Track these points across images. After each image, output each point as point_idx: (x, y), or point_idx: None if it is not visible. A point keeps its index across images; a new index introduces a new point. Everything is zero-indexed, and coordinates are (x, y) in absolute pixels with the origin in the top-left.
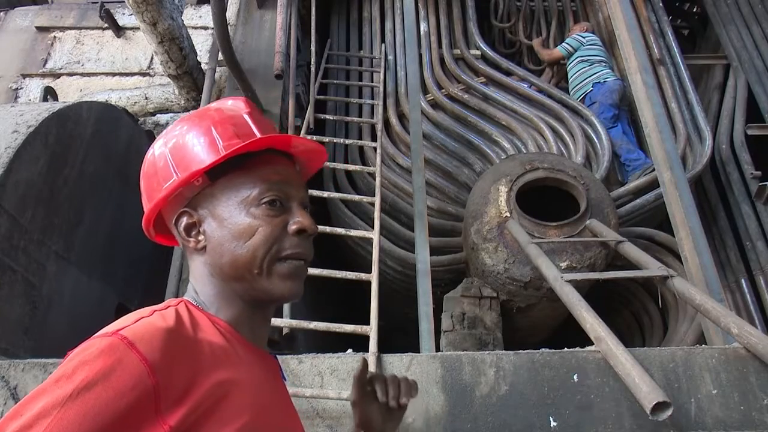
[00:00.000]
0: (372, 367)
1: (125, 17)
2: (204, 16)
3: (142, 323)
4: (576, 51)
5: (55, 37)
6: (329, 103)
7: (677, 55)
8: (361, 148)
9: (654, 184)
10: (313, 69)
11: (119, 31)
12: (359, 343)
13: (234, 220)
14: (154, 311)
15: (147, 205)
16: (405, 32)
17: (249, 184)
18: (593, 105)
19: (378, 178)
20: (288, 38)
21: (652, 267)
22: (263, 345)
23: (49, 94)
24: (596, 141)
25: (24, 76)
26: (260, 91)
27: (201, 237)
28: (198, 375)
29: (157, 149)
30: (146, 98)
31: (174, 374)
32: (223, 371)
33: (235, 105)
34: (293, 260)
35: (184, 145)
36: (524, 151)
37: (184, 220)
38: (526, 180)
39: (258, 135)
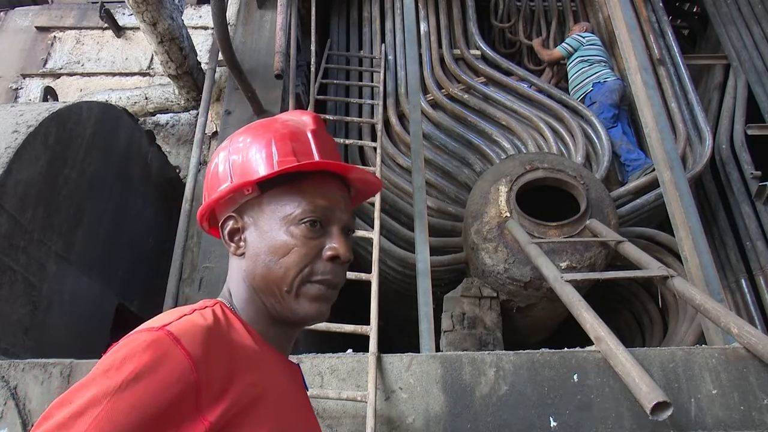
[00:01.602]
0: (372, 367)
1: (125, 17)
2: (204, 16)
3: (185, 320)
4: (576, 51)
5: (55, 37)
6: (329, 103)
7: (677, 55)
8: (361, 148)
9: (654, 184)
10: (313, 69)
11: (119, 31)
12: (359, 343)
13: (273, 234)
14: (194, 310)
15: (204, 202)
16: (405, 32)
17: (294, 202)
18: (593, 105)
19: None
20: (288, 38)
21: (652, 267)
22: (287, 355)
23: (49, 94)
24: (596, 141)
25: (24, 76)
26: (260, 91)
27: (242, 243)
28: (234, 374)
29: (223, 152)
30: (146, 98)
31: (213, 371)
32: (255, 373)
33: (302, 120)
34: (322, 284)
35: (245, 154)
36: (524, 151)
37: (230, 224)
38: (526, 180)
39: (316, 155)
